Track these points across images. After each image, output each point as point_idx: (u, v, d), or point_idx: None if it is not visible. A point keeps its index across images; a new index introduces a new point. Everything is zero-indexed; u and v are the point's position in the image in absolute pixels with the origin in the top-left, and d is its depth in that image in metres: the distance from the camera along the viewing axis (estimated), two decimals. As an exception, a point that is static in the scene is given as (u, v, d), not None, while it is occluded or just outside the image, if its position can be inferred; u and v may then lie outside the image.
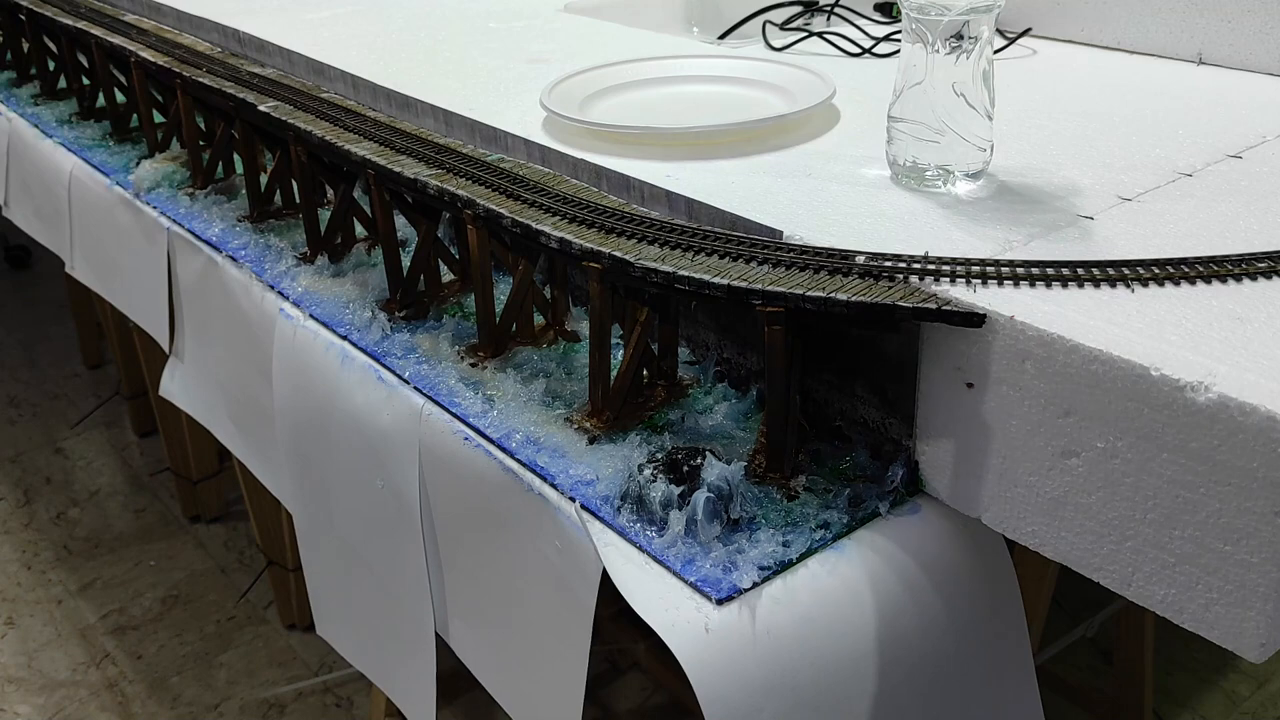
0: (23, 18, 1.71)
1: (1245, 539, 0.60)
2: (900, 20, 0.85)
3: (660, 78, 1.17)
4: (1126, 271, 0.70)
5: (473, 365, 0.92)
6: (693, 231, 0.81)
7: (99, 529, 2.15)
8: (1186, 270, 0.71)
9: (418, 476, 0.89)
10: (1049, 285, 0.70)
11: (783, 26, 1.40)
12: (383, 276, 1.05)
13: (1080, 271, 0.70)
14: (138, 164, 1.37)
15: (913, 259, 0.73)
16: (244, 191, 1.26)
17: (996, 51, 1.06)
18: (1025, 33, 1.33)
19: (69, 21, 1.55)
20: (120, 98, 1.54)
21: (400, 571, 0.95)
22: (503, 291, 0.99)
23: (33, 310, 2.97)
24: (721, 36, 1.45)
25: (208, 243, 1.20)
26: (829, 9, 1.46)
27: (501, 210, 0.88)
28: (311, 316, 1.04)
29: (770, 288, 0.71)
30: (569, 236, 0.82)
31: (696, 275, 0.74)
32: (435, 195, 0.94)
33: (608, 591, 0.71)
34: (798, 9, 1.44)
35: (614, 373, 0.83)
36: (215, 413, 1.29)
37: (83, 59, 1.62)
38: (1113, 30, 1.27)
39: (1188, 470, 0.61)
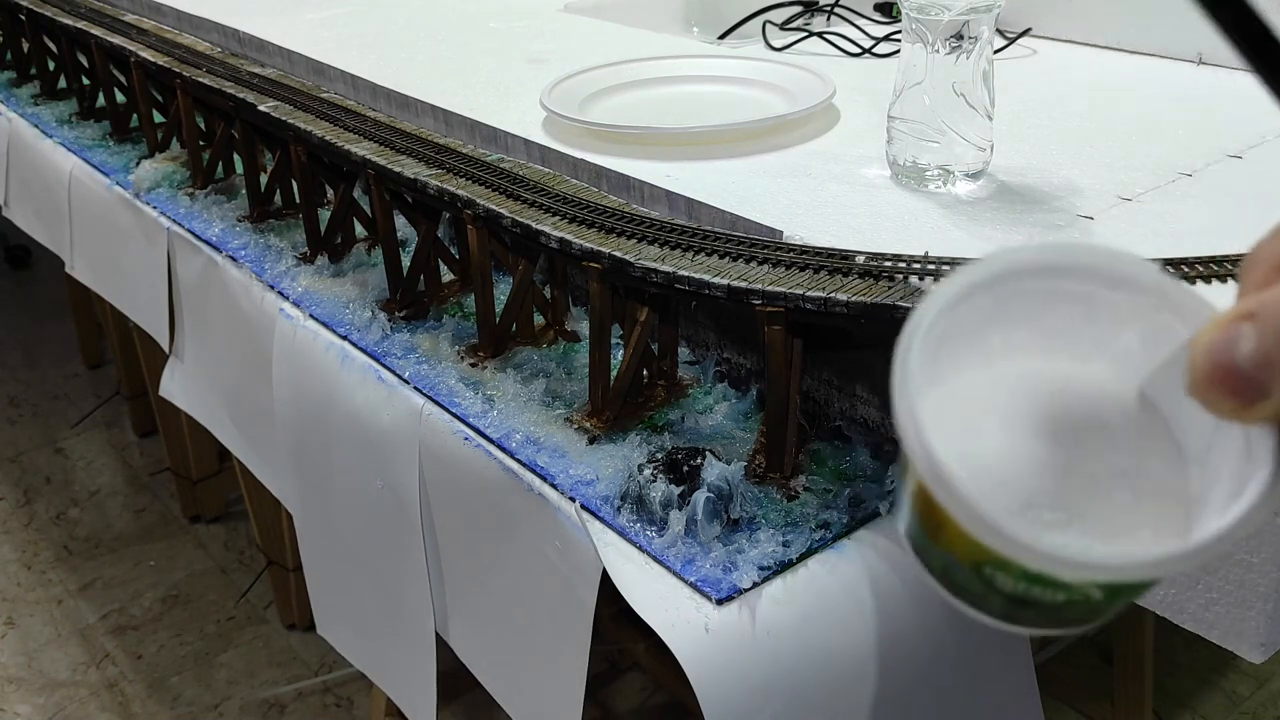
0: (23, 18, 1.71)
1: (1245, 539, 0.59)
2: (900, 20, 0.85)
3: (660, 78, 1.17)
4: (1126, 271, 0.70)
5: (473, 365, 0.92)
6: (693, 231, 0.81)
7: (99, 529, 2.15)
8: (1186, 270, 0.71)
9: (418, 476, 0.89)
10: (1049, 285, 0.70)
11: (783, 26, 1.40)
12: (383, 276, 1.05)
13: (1080, 271, 0.70)
14: (138, 164, 1.37)
15: (913, 259, 0.73)
16: (244, 191, 1.26)
17: (996, 51, 1.06)
18: (1025, 33, 1.33)
19: (69, 21, 1.55)
20: (120, 98, 1.53)
21: (400, 571, 0.95)
22: (503, 291, 0.99)
23: (33, 310, 2.97)
24: (721, 36, 1.45)
25: (208, 243, 1.20)
26: (829, 9, 1.46)
27: (501, 210, 0.88)
28: (311, 316, 1.04)
29: (770, 288, 0.71)
30: (569, 236, 0.82)
31: (696, 275, 0.74)
32: (435, 195, 0.94)
33: (608, 591, 0.71)
34: (798, 9, 1.44)
35: (614, 373, 0.83)
36: (215, 413, 1.29)
37: (83, 59, 1.62)
38: (1113, 30, 1.27)
39: (1188, 470, 0.61)
